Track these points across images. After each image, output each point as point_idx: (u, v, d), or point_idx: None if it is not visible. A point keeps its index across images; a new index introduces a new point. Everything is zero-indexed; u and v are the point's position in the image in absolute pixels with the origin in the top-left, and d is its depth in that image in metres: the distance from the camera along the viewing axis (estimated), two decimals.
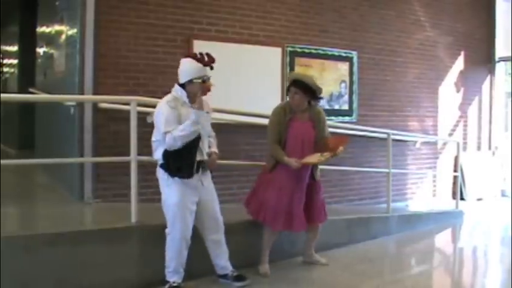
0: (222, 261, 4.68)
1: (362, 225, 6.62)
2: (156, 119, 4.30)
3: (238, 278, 4.68)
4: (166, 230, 4.40)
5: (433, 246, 7.34)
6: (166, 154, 4.26)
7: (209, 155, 4.47)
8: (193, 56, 4.34)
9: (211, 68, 4.34)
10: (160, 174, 4.39)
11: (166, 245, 4.40)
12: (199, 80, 4.28)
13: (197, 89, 4.29)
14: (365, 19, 8.30)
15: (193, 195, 4.38)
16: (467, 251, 7.19)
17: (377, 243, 6.59)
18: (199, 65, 4.29)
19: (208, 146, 4.52)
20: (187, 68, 4.32)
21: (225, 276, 4.71)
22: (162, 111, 4.23)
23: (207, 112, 4.35)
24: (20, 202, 5.93)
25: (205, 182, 4.46)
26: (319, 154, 4.92)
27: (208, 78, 4.33)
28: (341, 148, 4.90)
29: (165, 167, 4.31)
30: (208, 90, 4.35)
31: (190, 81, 4.29)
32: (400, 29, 8.77)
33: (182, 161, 4.25)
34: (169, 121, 4.17)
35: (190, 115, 4.18)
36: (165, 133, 4.16)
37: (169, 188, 4.34)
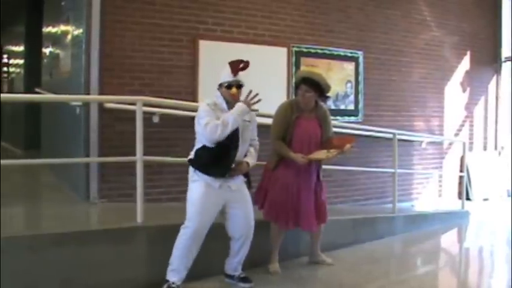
0: (236, 264, 4.69)
1: (368, 225, 6.61)
2: (196, 123, 4.34)
3: (244, 280, 4.68)
4: (182, 225, 4.37)
5: (439, 246, 7.33)
6: (200, 150, 4.32)
7: (239, 163, 4.43)
8: (231, 62, 4.38)
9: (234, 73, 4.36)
10: (190, 171, 4.43)
11: (176, 241, 4.34)
12: (225, 85, 4.34)
13: (225, 94, 4.36)
14: (371, 19, 8.29)
15: (217, 197, 4.36)
16: (473, 251, 7.17)
17: (383, 243, 6.59)
18: (229, 70, 4.35)
19: (245, 155, 4.52)
20: (221, 73, 4.42)
21: (232, 276, 4.72)
22: (202, 109, 4.28)
23: (248, 121, 4.45)
24: (25, 202, 5.95)
25: (233, 187, 4.43)
26: (325, 151, 4.91)
27: (235, 85, 4.33)
28: (348, 146, 4.88)
29: (194, 161, 4.36)
30: (233, 96, 4.34)
31: (220, 86, 4.38)
32: (405, 28, 8.75)
33: (214, 160, 4.27)
34: (209, 115, 4.21)
35: None
36: (206, 125, 4.17)
37: (193, 184, 4.38)
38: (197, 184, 4.35)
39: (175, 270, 4.34)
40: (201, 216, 4.30)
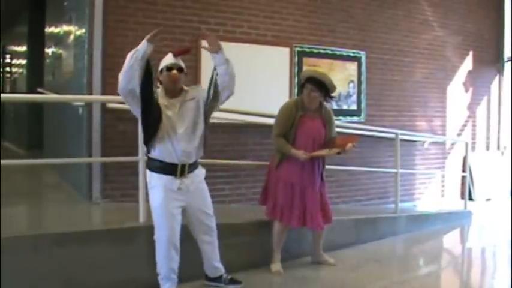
0: (215, 262, 4.55)
1: (370, 225, 6.61)
2: None
3: (233, 281, 4.57)
4: (154, 236, 4.27)
5: (441, 246, 7.32)
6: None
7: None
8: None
9: (175, 55, 4.16)
10: (147, 176, 4.30)
11: (156, 250, 4.26)
12: (165, 69, 4.13)
13: (165, 79, 4.15)
14: (373, 19, 8.28)
15: (177, 200, 4.21)
16: (476, 252, 7.16)
17: (385, 243, 6.58)
18: (170, 55, 4.18)
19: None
20: (161, 62, 4.23)
21: (217, 279, 4.59)
22: None
23: (186, 100, 4.16)
24: (28, 202, 5.96)
25: (191, 187, 4.25)
26: (327, 149, 4.94)
27: (175, 68, 4.11)
28: (350, 145, 4.90)
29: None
30: (174, 78, 4.10)
31: (161, 72, 4.18)
32: (408, 28, 8.75)
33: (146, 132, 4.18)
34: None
35: (163, 107, 4.10)
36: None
37: (152, 191, 4.24)
38: (156, 190, 4.20)
39: (166, 277, 4.27)
40: (168, 224, 4.17)
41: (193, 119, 4.18)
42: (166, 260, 4.23)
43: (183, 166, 4.18)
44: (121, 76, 3.99)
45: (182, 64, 4.18)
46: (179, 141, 4.12)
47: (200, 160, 4.40)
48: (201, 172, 4.41)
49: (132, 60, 3.94)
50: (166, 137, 4.11)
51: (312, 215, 4.99)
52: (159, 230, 4.22)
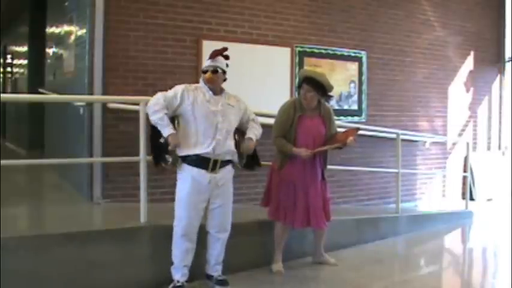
0: (213, 262, 4.61)
1: (371, 225, 6.61)
2: None
3: (221, 283, 4.57)
4: (174, 224, 4.40)
5: (443, 246, 7.32)
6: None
7: (244, 141, 4.54)
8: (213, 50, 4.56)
9: (227, 58, 4.53)
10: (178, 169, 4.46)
11: (172, 239, 4.40)
12: (203, 71, 4.52)
13: (204, 80, 4.47)
14: (374, 19, 8.28)
15: (204, 193, 4.36)
16: (477, 252, 7.16)
17: (386, 243, 6.58)
18: (208, 59, 4.51)
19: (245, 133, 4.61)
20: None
21: (211, 277, 4.63)
22: (176, 87, 4.45)
23: (229, 104, 4.48)
24: (29, 202, 5.96)
25: (220, 182, 4.41)
26: (328, 145, 4.96)
27: (210, 70, 4.43)
28: (351, 138, 4.92)
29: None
30: (208, 80, 4.44)
31: (202, 73, 4.52)
32: (409, 28, 8.74)
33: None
34: (174, 93, 4.37)
35: (204, 102, 4.36)
36: (157, 93, 4.41)
37: (180, 182, 4.41)
38: (182, 183, 4.38)
39: (176, 267, 4.40)
40: (187, 217, 4.33)
41: (231, 123, 4.47)
42: (180, 251, 4.37)
43: (215, 162, 4.35)
44: (151, 110, 4.38)
45: (219, 64, 4.48)
46: (219, 134, 4.35)
47: None
48: (232, 170, 4.57)
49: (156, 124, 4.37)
50: (207, 129, 4.34)
51: (315, 213, 4.99)
52: (178, 220, 4.36)
